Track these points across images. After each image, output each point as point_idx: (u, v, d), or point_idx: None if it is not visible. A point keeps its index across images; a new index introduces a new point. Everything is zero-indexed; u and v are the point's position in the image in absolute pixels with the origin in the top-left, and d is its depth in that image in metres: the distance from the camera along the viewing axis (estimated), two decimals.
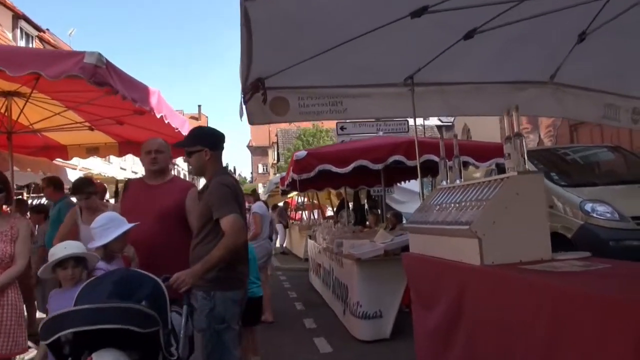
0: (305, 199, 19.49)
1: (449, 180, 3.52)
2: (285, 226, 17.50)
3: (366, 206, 13.50)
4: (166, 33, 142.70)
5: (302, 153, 5.68)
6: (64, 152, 7.13)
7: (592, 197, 6.51)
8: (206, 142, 2.87)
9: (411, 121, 9.95)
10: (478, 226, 2.46)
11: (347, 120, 9.99)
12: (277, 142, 46.90)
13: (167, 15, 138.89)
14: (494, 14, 3.04)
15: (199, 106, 61.96)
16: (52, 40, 22.88)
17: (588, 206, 6.38)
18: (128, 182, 3.63)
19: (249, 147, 65.42)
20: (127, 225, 2.85)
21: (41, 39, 20.56)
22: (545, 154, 7.92)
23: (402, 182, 10.57)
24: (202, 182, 3.24)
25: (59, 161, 7.61)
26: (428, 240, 3.12)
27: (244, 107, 3.75)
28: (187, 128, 5.52)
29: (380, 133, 8.37)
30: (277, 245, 17.09)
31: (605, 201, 6.37)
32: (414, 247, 3.43)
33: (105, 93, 3.89)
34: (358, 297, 5.13)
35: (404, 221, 8.62)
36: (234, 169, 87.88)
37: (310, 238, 10.03)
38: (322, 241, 7.72)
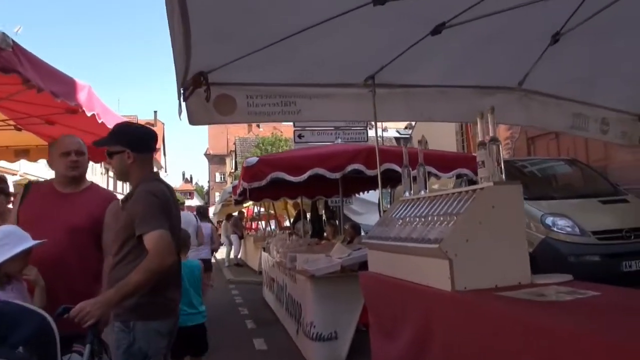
0: (262, 209, 18.93)
1: (412, 192, 3.18)
2: (241, 237, 16.87)
3: (324, 217, 13.14)
4: (118, 31, 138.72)
5: (253, 160, 5.22)
6: None
7: (551, 210, 6.38)
8: (128, 141, 2.39)
9: (371, 131, 9.71)
10: (449, 245, 2.10)
11: (306, 128, 9.61)
12: (235, 151, 46.02)
13: (121, 11, 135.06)
14: (466, 6, 2.72)
15: (155, 112, 59.84)
16: None
17: (549, 220, 6.24)
18: (30, 185, 2.95)
19: (206, 155, 64.00)
20: (29, 243, 2.32)
21: None
22: (504, 166, 7.78)
23: (361, 193, 10.27)
24: None
25: None
26: (389, 258, 2.74)
27: (183, 104, 3.29)
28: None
29: (339, 141, 8.02)
30: (232, 256, 16.45)
31: (566, 215, 6.25)
32: (373, 265, 3.05)
33: (27, 86, 3.35)
34: (312, 316, 4.70)
35: (363, 233, 8.31)
36: (191, 177, 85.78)
37: (264, 250, 9.53)
38: (276, 254, 7.27)
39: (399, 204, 3.08)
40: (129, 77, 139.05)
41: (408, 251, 2.48)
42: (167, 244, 2.18)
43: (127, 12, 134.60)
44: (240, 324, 6.93)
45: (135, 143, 2.40)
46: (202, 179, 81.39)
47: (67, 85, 3.65)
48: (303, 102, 3.58)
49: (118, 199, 2.89)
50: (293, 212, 15.38)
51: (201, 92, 3.35)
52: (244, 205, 19.72)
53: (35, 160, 6.70)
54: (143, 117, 50.86)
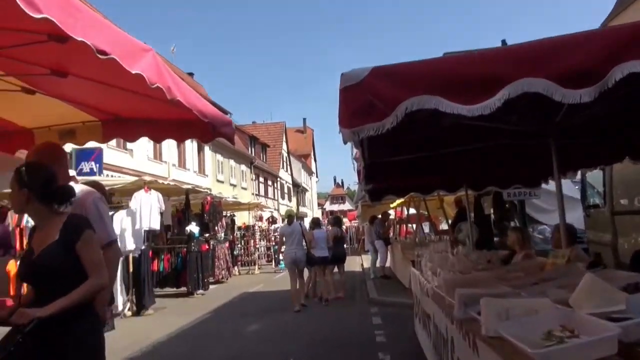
0: (412, 210, 15.92)
1: None
2: (387, 243, 14.19)
3: (492, 217, 9.83)
4: (269, 43, 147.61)
5: (361, 71, 2.10)
6: (30, 138, 4.74)
7: None
8: None
9: None
10: None
11: None
12: None
13: (274, 29, 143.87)
14: None
15: (304, 119, 61.04)
16: None
17: None
18: None
19: (355, 159, 62.82)
20: None
21: None
22: None
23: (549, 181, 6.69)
24: None
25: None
26: None
27: None
28: (154, 69, 2.68)
29: None
30: (378, 265, 13.72)
31: None
32: None
33: None
34: None
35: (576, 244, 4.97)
36: (342, 182, 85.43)
37: (413, 265, 6.71)
38: (431, 276, 4.45)
39: None
40: (279, 86, 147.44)
41: None
42: None
43: (278, 24, 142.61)
44: None
45: None
46: (353, 183, 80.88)
47: None
48: None
49: None
50: (451, 213, 12.16)
51: None
52: (392, 205, 16.83)
53: (82, 143, 4.93)
54: (292, 124, 51.70)
